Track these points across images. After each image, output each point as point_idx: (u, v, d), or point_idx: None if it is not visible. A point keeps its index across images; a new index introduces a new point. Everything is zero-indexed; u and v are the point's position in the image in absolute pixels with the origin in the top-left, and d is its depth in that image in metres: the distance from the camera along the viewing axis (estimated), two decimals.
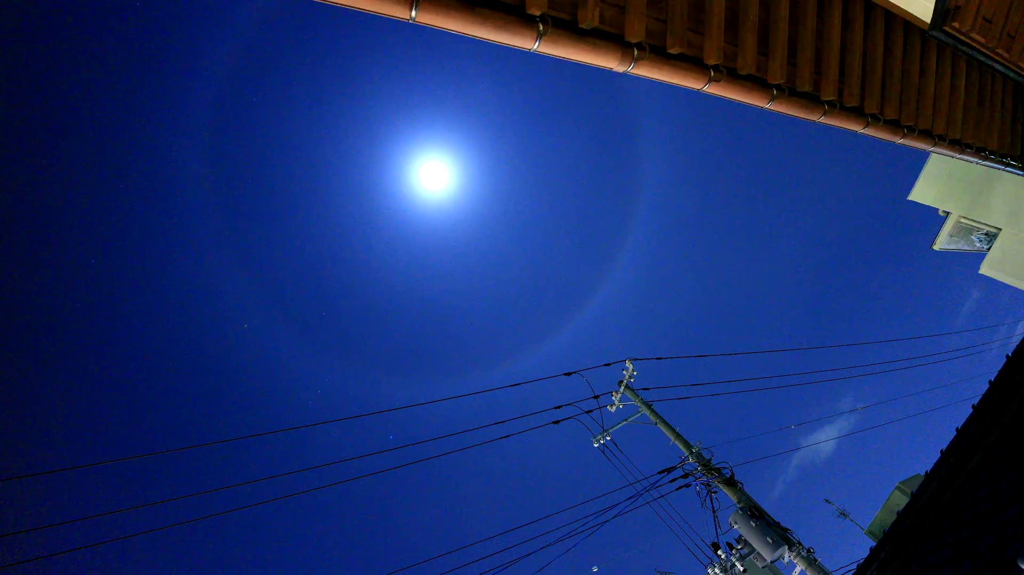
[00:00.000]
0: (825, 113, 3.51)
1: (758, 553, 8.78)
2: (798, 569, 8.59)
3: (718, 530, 9.26)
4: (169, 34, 38.01)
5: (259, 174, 43.99)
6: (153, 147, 39.62)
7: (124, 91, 37.68)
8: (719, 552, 9.15)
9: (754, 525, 8.86)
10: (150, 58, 38.13)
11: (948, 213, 12.56)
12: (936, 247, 12.94)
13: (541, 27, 2.32)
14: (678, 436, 10.50)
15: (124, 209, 39.55)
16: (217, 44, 39.19)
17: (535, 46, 2.36)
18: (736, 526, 9.19)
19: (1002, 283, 12.00)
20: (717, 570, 9.13)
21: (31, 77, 33.46)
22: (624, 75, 2.73)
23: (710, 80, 2.94)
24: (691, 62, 2.89)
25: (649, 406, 11.22)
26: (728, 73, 3.03)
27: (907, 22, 4.14)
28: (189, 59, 39.49)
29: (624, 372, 11.73)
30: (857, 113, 3.73)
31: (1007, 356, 5.77)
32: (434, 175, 46.88)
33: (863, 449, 52.78)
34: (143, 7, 36.68)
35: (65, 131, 35.98)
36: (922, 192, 12.58)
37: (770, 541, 8.62)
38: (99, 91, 36.64)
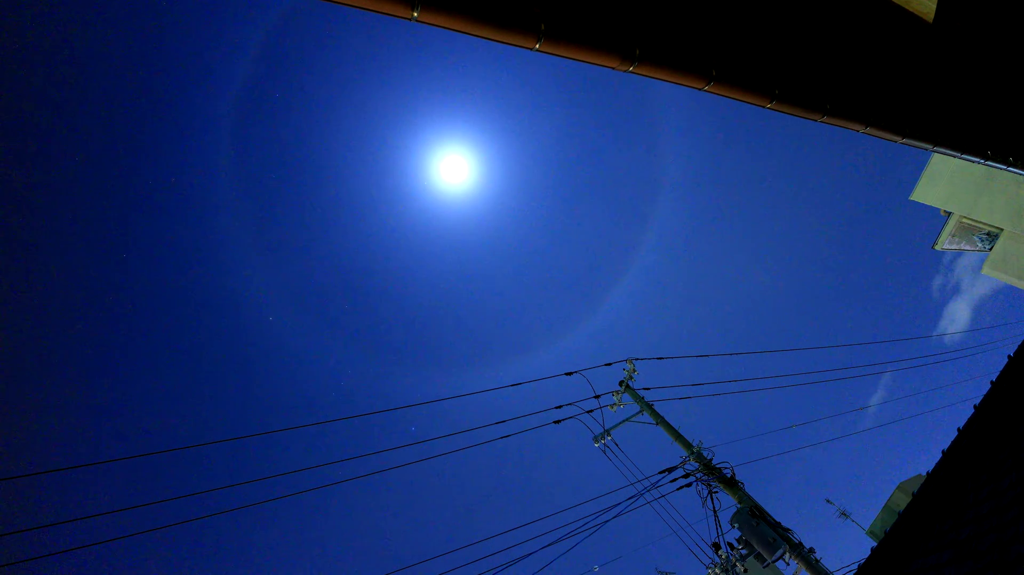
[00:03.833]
0: (826, 113, 3.50)
1: (759, 553, 8.78)
2: (799, 569, 8.58)
3: (719, 530, 9.25)
4: (193, 35, 38.48)
5: (282, 171, 44.48)
6: (179, 146, 40.10)
7: (151, 92, 38.14)
8: (720, 552, 9.14)
9: (755, 525, 8.85)
10: (174, 60, 38.61)
11: (950, 213, 12.55)
12: (938, 247, 12.93)
13: (543, 27, 2.32)
14: (679, 436, 10.49)
15: (151, 208, 40.07)
16: (244, 45, 39.76)
17: (536, 46, 2.36)
18: (737, 526, 9.18)
19: (1004, 283, 11.99)
20: (718, 570, 9.12)
21: (58, 79, 33.75)
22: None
23: (711, 80, 2.94)
24: (693, 62, 2.89)
25: (650, 406, 11.21)
26: (730, 73, 3.02)
27: (910, 18, 4.13)
28: (215, 58, 39.99)
29: (625, 372, 11.72)
30: (859, 113, 3.72)
31: (1008, 356, 5.77)
32: (454, 168, 47.27)
33: (864, 449, 52.77)
34: (164, 11, 37.04)
35: (92, 132, 36.41)
36: (924, 192, 12.56)
37: (771, 541, 8.61)
38: (123, 92, 37.05)
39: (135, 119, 38.34)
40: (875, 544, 5.31)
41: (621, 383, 11.68)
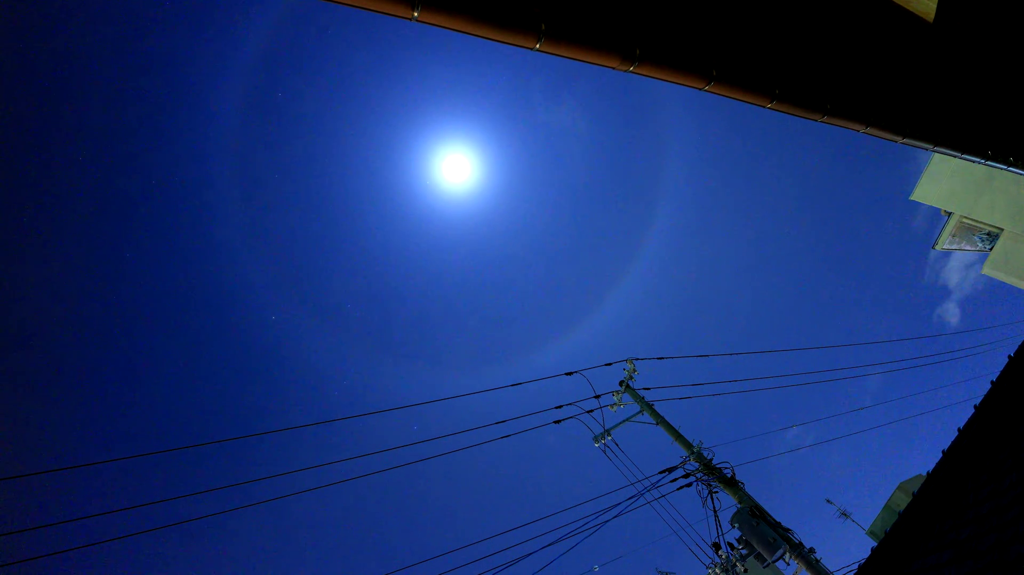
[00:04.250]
0: (827, 113, 3.50)
1: (759, 553, 8.77)
2: (799, 569, 8.58)
3: (719, 530, 9.25)
4: (196, 37, 38.61)
5: (285, 170, 44.59)
6: (182, 146, 40.23)
7: (155, 92, 38.29)
8: (720, 552, 9.14)
9: (755, 525, 8.85)
10: (177, 60, 38.73)
11: (950, 213, 12.54)
12: (938, 247, 12.93)
13: (543, 26, 2.32)
14: (679, 436, 10.49)
15: (155, 207, 40.21)
16: (245, 46, 39.88)
17: (537, 46, 2.36)
18: (737, 526, 9.18)
19: (1004, 283, 11.98)
20: (718, 570, 9.12)
21: (60, 79, 33.82)
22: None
23: (712, 80, 2.93)
24: (693, 62, 2.89)
25: (650, 406, 11.21)
26: (730, 73, 3.02)
27: (911, 18, 4.13)
28: (216, 59, 40.13)
29: (625, 372, 11.72)
30: (859, 113, 3.72)
31: (1009, 356, 5.76)
32: (456, 168, 47.36)
33: (865, 449, 52.76)
34: (166, 12, 37.16)
35: (96, 132, 36.56)
36: (924, 192, 12.55)
37: (771, 541, 8.61)
38: (127, 92, 37.16)
39: (138, 119, 38.48)
40: (875, 544, 5.31)
41: (621, 383, 11.68)
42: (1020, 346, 5.88)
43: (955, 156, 4.51)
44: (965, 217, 12.11)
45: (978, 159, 4.60)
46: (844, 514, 18.92)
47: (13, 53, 31.49)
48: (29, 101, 33.21)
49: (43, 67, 33.06)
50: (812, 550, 8.64)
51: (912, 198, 12.85)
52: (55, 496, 33.97)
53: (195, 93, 40.16)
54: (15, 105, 32.51)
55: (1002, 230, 11.58)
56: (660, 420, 10.94)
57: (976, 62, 4.79)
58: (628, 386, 11.62)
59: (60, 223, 36.15)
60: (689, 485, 9.75)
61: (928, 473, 5.10)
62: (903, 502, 12.83)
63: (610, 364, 11.54)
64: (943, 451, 5.19)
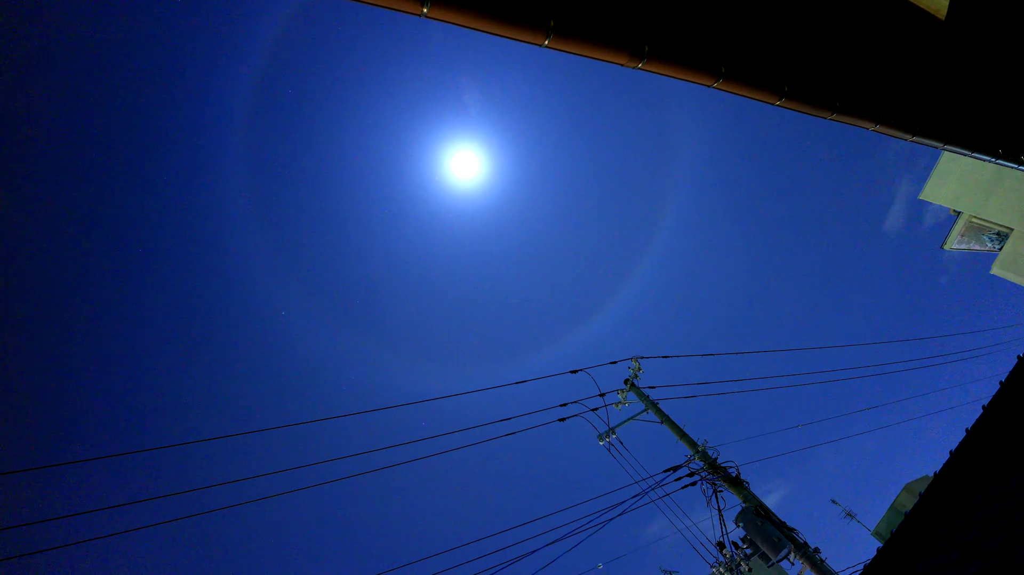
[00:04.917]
0: (836, 111, 3.48)
1: (763, 553, 8.76)
2: (804, 569, 8.55)
3: (723, 529, 9.23)
4: (206, 33, 38.84)
5: (294, 167, 44.82)
6: (192, 143, 40.49)
7: (165, 91, 38.56)
8: (724, 551, 9.13)
9: (760, 524, 8.83)
10: (187, 57, 38.99)
11: (959, 213, 12.44)
12: (947, 247, 12.83)
13: (552, 23, 2.32)
14: (684, 435, 10.47)
15: (164, 204, 40.52)
16: (254, 42, 40.04)
17: (546, 42, 2.36)
18: (741, 525, 9.16)
19: (1013, 283, 11.87)
20: (722, 569, 9.11)
21: (68, 79, 34.06)
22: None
23: (720, 77, 2.92)
24: (702, 59, 2.88)
25: (655, 404, 11.19)
26: (739, 70, 3.01)
27: (922, 15, 4.10)
28: (226, 55, 40.36)
29: (630, 370, 11.71)
30: (869, 111, 3.69)
31: (1018, 357, 5.72)
32: (465, 165, 47.45)
33: (871, 450, 52.49)
34: (175, 11, 37.37)
35: (108, 130, 36.86)
36: (933, 191, 12.45)
37: (776, 541, 8.59)
38: (135, 91, 37.41)
39: (147, 116, 38.74)
40: (881, 545, 5.29)
41: (626, 381, 11.67)
42: None
43: (965, 155, 4.47)
44: (974, 217, 12.01)
45: (989, 158, 4.56)
46: (849, 514, 18.84)
47: (19, 51, 31.73)
48: (36, 99, 33.50)
49: (50, 64, 33.33)
50: (817, 550, 8.61)
51: (921, 197, 12.75)
52: (57, 494, 34.32)
53: (206, 89, 40.43)
54: (23, 103, 32.79)
55: (1012, 230, 11.48)
56: (665, 419, 10.92)
57: (988, 59, 4.74)
58: (633, 384, 11.60)
59: (66, 221, 36.48)
60: (694, 484, 9.73)
61: (935, 474, 5.08)
62: (909, 503, 12.78)
63: (615, 362, 11.53)
64: (951, 452, 5.16)
